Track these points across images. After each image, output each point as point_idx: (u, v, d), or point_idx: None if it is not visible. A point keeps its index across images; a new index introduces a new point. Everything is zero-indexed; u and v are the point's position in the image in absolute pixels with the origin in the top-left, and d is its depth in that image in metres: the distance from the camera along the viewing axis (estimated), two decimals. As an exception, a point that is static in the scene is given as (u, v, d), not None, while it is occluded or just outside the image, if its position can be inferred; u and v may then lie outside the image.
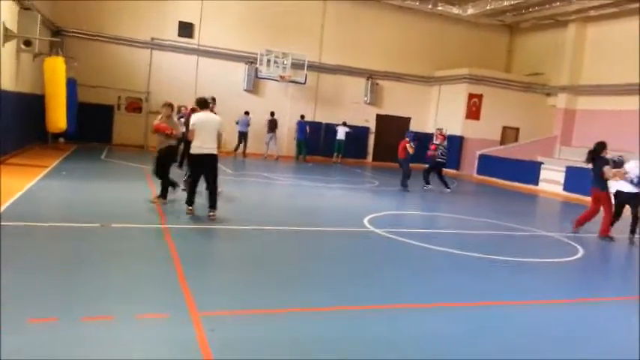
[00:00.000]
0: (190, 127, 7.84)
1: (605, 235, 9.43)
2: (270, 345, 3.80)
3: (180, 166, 10.84)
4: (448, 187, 14.52)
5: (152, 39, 19.84)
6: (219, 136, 7.88)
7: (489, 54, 24.21)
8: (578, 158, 19.13)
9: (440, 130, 17.37)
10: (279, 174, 15.87)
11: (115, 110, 19.61)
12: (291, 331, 4.09)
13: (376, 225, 8.60)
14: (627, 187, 9.46)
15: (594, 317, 5.20)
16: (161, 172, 8.67)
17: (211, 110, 8.48)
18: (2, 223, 6.24)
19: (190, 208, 7.96)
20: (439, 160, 14.60)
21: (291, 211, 9.68)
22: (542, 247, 8.74)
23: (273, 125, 20.08)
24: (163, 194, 8.70)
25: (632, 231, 9.40)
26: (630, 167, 9.56)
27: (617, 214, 9.70)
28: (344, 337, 4.06)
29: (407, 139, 14.17)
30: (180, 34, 20.20)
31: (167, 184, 8.73)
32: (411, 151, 14.06)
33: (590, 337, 4.64)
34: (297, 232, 7.92)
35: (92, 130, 18.44)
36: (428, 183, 14.64)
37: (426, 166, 15.26)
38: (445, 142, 15.02)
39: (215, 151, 7.84)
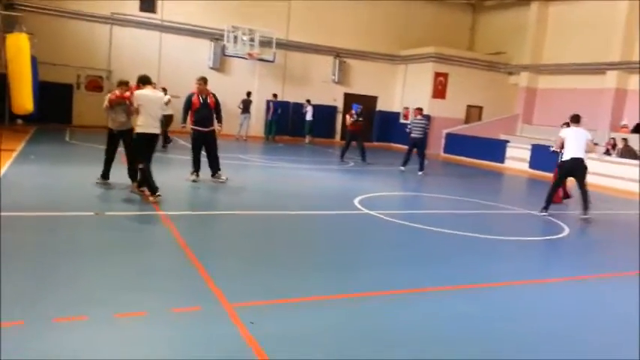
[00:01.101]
0: (135, 105, 7.42)
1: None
2: (320, 336, 3.73)
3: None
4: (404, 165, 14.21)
5: (112, 14, 18.95)
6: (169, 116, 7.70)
7: (453, 33, 24.45)
8: (540, 136, 19.87)
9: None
10: (255, 155, 15.64)
11: (75, 89, 18.70)
12: (338, 319, 4.03)
13: (369, 207, 8.60)
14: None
15: (600, 293, 5.39)
16: (140, 159, 7.73)
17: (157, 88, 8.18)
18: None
19: (158, 194, 7.37)
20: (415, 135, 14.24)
21: (282, 195, 9.54)
22: (529, 226, 9.00)
23: (247, 105, 19.69)
24: (152, 189, 7.56)
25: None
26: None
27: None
28: (391, 322, 4.04)
29: (351, 111, 14.62)
30: (141, 9, 19.39)
31: (145, 175, 7.78)
32: (347, 122, 14.82)
33: (599, 313, 4.82)
34: (295, 216, 7.82)
35: (51, 110, 17.51)
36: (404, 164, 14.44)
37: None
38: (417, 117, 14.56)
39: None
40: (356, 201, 9.05)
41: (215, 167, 9.70)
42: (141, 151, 7.54)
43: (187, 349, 3.34)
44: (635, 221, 10.39)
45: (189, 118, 9.56)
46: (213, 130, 9.63)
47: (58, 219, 6.34)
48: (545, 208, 9.52)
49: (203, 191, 9.07)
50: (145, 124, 7.35)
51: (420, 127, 14.06)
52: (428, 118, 15.35)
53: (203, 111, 9.41)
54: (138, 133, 7.49)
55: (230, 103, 19.86)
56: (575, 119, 9.77)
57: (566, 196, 11.27)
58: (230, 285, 4.52)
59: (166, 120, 15.22)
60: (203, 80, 9.55)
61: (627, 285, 5.73)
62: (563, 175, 9.86)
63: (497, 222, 9.08)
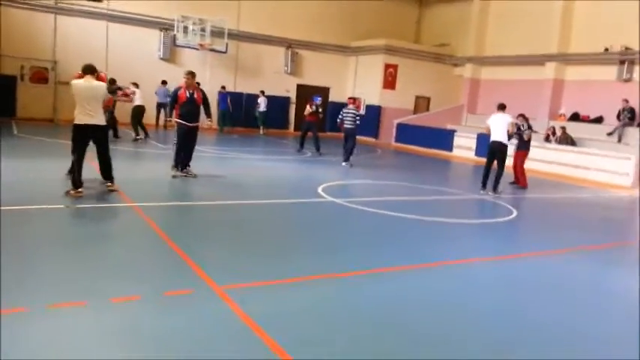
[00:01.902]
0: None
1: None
2: (307, 313, 4.02)
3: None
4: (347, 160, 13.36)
5: (56, 2, 18.29)
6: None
7: (400, 25, 25.07)
8: (483, 125, 20.77)
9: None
10: (211, 147, 15.59)
11: (19, 81, 17.96)
12: (319, 298, 4.33)
13: (332, 195, 8.93)
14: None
15: (550, 267, 5.96)
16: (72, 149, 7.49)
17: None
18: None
19: (79, 190, 7.13)
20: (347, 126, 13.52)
21: (247, 185, 9.70)
22: (482, 209, 9.62)
23: (200, 96, 19.51)
24: (74, 182, 7.27)
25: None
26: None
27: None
28: (373, 297, 4.38)
29: (312, 102, 15.04)
30: (87, -2, 18.79)
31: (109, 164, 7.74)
32: (306, 111, 14.95)
33: (560, 285, 5.36)
34: (264, 205, 8.05)
35: (-7, 102, 16.81)
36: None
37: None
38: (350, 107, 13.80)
39: (100, 122, 7.28)
40: (319, 189, 9.35)
41: (187, 162, 9.59)
42: (73, 141, 7.34)
43: (188, 329, 3.54)
44: (573, 203, 11.25)
45: (174, 111, 9.39)
46: (197, 126, 9.51)
47: (28, 212, 6.28)
48: (485, 186, 10.55)
49: (169, 183, 9.10)
50: (78, 114, 7.15)
51: (351, 117, 13.30)
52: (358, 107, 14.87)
53: (190, 105, 9.23)
54: (72, 124, 7.30)
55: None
56: (500, 107, 10.74)
57: (515, 181, 12.07)
58: (215, 269, 4.72)
59: (139, 111, 15.10)
60: (191, 74, 9.35)
61: (572, 260, 6.34)
62: (489, 155, 10.71)
63: (452, 206, 9.64)
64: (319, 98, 15.38)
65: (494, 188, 10.47)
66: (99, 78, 7.55)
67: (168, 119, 9.64)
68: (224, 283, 4.36)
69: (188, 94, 9.24)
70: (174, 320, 3.66)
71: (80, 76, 7.31)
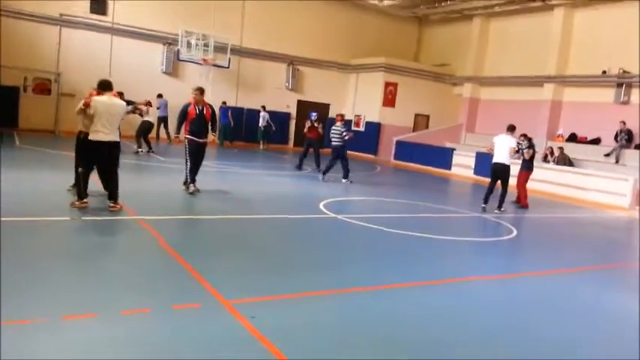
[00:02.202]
0: (90, 111, 7.11)
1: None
2: (319, 327, 4.06)
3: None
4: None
5: (61, 15, 18.49)
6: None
7: (400, 44, 25.41)
8: (482, 144, 21.00)
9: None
10: (212, 161, 15.65)
11: (22, 92, 18.06)
12: (329, 313, 4.38)
13: (333, 211, 9.00)
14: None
15: (552, 287, 6.02)
16: (81, 162, 7.57)
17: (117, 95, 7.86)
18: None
19: (84, 201, 7.20)
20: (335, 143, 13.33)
21: (250, 200, 9.75)
22: (482, 227, 9.70)
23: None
24: (79, 194, 7.37)
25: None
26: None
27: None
28: (375, 313, 4.43)
29: (309, 118, 14.98)
30: (92, 11, 19.01)
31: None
32: (305, 129, 14.91)
33: (561, 304, 5.42)
34: (268, 219, 8.11)
35: (-5, 113, 16.87)
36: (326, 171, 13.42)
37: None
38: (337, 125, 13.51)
39: (116, 139, 7.29)
40: (321, 205, 9.42)
41: (193, 176, 9.45)
42: (84, 155, 7.39)
43: (198, 341, 3.58)
44: (570, 223, 11.34)
45: (183, 127, 9.37)
46: (206, 142, 9.53)
47: (34, 224, 6.32)
48: (485, 203, 10.79)
49: (173, 196, 9.15)
50: (94, 130, 7.11)
51: (337, 134, 13.16)
52: (346, 124, 14.31)
53: (199, 122, 9.21)
54: (86, 138, 7.27)
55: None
56: (510, 128, 11.02)
57: (517, 201, 12.20)
58: (222, 283, 4.76)
59: (147, 126, 15.19)
60: (200, 91, 9.34)
61: (573, 279, 6.41)
62: (492, 176, 10.88)
63: (453, 224, 9.71)
64: (315, 114, 15.39)
65: (499, 206, 10.72)
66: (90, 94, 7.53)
67: (175, 135, 9.62)
68: (232, 298, 4.40)
69: (197, 110, 9.21)
70: (183, 333, 3.70)
71: (98, 93, 7.29)
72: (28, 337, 3.37)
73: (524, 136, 12.15)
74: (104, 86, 7.35)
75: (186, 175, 9.38)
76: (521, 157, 11.82)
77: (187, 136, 9.32)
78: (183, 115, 9.31)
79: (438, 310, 4.75)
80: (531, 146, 12.08)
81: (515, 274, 6.46)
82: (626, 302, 5.64)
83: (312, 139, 15.28)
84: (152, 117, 15.45)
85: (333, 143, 13.26)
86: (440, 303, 4.97)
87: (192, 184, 9.31)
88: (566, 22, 19.23)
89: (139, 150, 14.88)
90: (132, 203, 7.71)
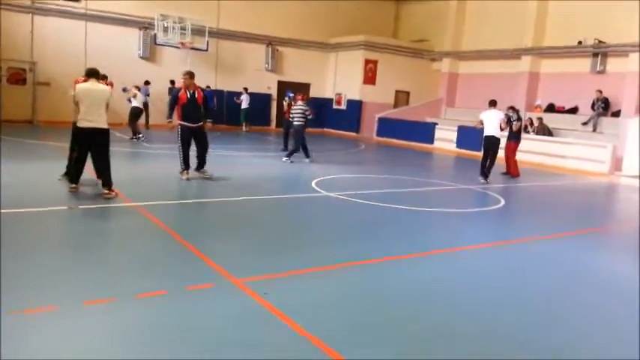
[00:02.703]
0: (74, 98, 7.22)
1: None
2: (331, 301, 4.21)
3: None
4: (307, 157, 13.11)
5: (33, 2, 18.01)
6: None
7: (378, 21, 25.38)
8: (462, 117, 21.32)
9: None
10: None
11: (-4, 83, 17.65)
12: (339, 287, 4.53)
13: (326, 189, 9.12)
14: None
15: (542, 252, 6.26)
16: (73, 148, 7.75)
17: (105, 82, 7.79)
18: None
19: (73, 186, 7.41)
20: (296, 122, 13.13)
21: (240, 182, 9.75)
22: (471, 199, 9.93)
23: (175, 94, 19.52)
24: (71, 178, 7.62)
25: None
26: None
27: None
28: (393, 285, 4.59)
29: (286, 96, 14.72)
30: (64, -3, 18.54)
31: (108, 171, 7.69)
32: (284, 109, 14.31)
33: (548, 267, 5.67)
34: (264, 200, 8.20)
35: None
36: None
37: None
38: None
39: (102, 125, 7.25)
40: (313, 184, 9.54)
41: (202, 162, 9.53)
42: (74, 141, 7.53)
43: (218, 318, 3.70)
44: (554, 190, 11.67)
45: (175, 113, 9.27)
46: (203, 125, 9.42)
47: (33, 214, 6.31)
48: (485, 177, 11.27)
49: (167, 183, 9.14)
50: (80, 117, 7.17)
51: (300, 113, 12.97)
52: (309, 103, 14.01)
53: (191, 106, 9.12)
54: (74, 125, 7.39)
55: (162, 93, 19.65)
56: (492, 103, 11.44)
57: (507, 172, 12.57)
58: (229, 263, 4.86)
59: (137, 112, 15.20)
60: (189, 75, 9.24)
61: (562, 244, 6.67)
62: (484, 148, 11.29)
63: (442, 197, 9.91)
64: (292, 94, 15.32)
65: (486, 176, 11.21)
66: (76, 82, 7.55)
67: (169, 120, 9.55)
68: (242, 276, 4.51)
69: (189, 95, 9.13)
70: (203, 312, 3.81)
71: (84, 81, 7.33)
72: (55, 323, 3.46)
73: (512, 108, 12.48)
74: (89, 73, 7.39)
75: (181, 163, 9.31)
76: (509, 129, 12.08)
77: (180, 122, 9.25)
78: (174, 100, 9.25)
79: (439, 280, 4.94)
80: (519, 118, 12.43)
81: (506, 242, 6.69)
82: (617, 264, 5.92)
83: (289, 120, 15.19)
84: (139, 103, 15.40)
85: (296, 123, 13.01)
86: (441, 272, 5.16)
87: (185, 172, 9.28)
88: (542, -6, 19.43)
89: (136, 137, 14.90)
90: (127, 191, 7.72)
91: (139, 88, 15.92)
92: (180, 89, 9.33)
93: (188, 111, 9.16)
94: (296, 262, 5.16)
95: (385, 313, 4.03)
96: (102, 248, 5.26)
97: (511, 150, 12.37)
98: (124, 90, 16.12)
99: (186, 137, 9.24)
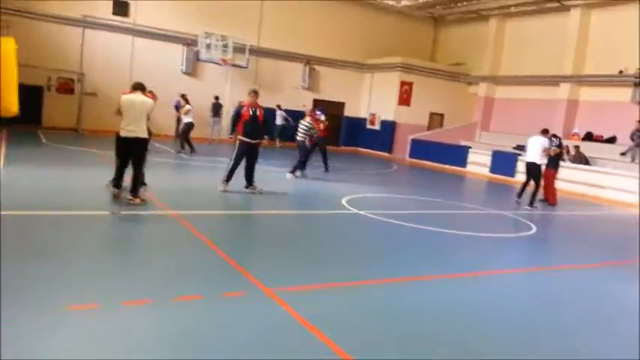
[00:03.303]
0: (118, 108, 7.66)
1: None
2: (355, 314, 4.34)
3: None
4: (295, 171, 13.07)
5: (84, 16, 18.91)
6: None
7: (416, 43, 25.58)
8: (496, 142, 21.21)
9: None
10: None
11: (45, 91, 18.52)
12: (366, 302, 4.66)
13: (357, 207, 9.26)
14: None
15: (571, 281, 6.24)
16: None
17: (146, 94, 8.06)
18: (3, 213, 6.14)
19: (117, 190, 7.88)
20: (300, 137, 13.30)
21: (274, 196, 10.00)
22: (504, 224, 9.90)
23: (217, 109, 20.10)
24: (132, 187, 7.84)
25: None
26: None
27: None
28: (418, 303, 4.69)
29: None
30: (114, 13, 19.41)
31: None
32: (319, 126, 13.98)
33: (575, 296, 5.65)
34: (296, 215, 8.43)
35: (21, 112, 17.17)
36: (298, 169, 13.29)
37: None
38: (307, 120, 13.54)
39: (141, 134, 7.63)
40: (344, 201, 9.69)
41: (251, 178, 9.87)
42: (117, 150, 7.97)
43: (253, 327, 3.88)
44: (588, 220, 11.51)
45: (237, 129, 9.62)
46: (259, 143, 9.84)
47: (76, 218, 6.65)
48: (519, 197, 11.64)
49: (206, 194, 9.46)
50: (121, 127, 7.63)
51: (303, 129, 13.16)
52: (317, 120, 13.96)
53: (253, 123, 9.50)
54: (117, 134, 7.86)
55: (203, 108, 20.26)
56: (543, 131, 11.81)
57: (545, 199, 12.53)
58: (262, 273, 5.05)
59: (187, 127, 15.52)
60: (255, 93, 9.75)
61: (593, 274, 6.62)
62: (527, 174, 11.65)
63: (475, 221, 9.91)
64: (322, 113, 15.22)
65: (531, 203, 11.35)
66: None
67: (230, 136, 9.94)
68: (273, 286, 4.69)
69: (251, 112, 9.52)
70: (236, 317, 4.00)
71: (130, 92, 7.79)
72: (96, 320, 3.70)
73: (554, 135, 12.55)
74: (135, 87, 7.88)
75: (226, 174, 9.59)
76: (547, 155, 12.11)
77: (241, 137, 9.58)
78: (237, 116, 9.63)
79: (471, 302, 5.00)
80: (560, 145, 12.45)
81: (534, 268, 6.68)
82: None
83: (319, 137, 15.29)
84: (192, 118, 15.64)
85: (298, 138, 13.21)
86: (471, 295, 5.22)
87: (226, 183, 9.58)
88: (582, 22, 19.30)
89: (182, 151, 15.26)
90: (167, 199, 8.05)
91: (187, 101, 15.85)
92: (243, 106, 9.73)
93: (250, 128, 9.51)
94: (326, 275, 5.30)
95: (409, 330, 4.13)
96: (140, 253, 5.55)
97: (550, 177, 12.35)
98: (177, 108, 16.57)
99: (243, 152, 9.57)
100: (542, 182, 11.75)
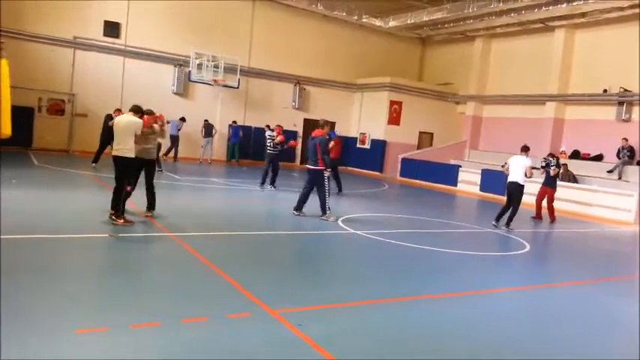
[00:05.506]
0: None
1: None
2: (359, 334, 4.37)
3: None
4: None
5: (75, 38, 18.97)
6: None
7: (404, 64, 26.00)
8: (485, 160, 21.48)
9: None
10: (226, 179, 16.06)
11: (36, 112, 18.45)
12: (366, 321, 4.69)
13: (352, 227, 9.32)
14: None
15: (568, 297, 6.33)
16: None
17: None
18: (4, 237, 6.11)
19: (113, 212, 7.73)
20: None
21: (268, 216, 10.08)
22: (496, 242, 10.01)
23: (208, 130, 20.22)
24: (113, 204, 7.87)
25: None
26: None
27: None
28: (420, 322, 4.74)
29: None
30: (105, 34, 19.50)
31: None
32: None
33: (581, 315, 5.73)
34: (291, 235, 8.44)
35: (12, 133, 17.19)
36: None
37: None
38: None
39: (127, 154, 7.67)
40: (339, 222, 9.74)
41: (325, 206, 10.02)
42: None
43: (259, 349, 3.89)
44: (579, 237, 11.66)
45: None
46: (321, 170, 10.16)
47: (73, 240, 6.63)
48: (497, 220, 10.97)
49: (195, 213, 9.47)
50: (115, 147, 7.80)
51: (268, 141, 14.14)
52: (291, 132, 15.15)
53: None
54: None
55: (194, 129, 20.34)
56: (523, 149, 11.30)
57: (536, 216, 12.67)
58: (264, 294, 5.06)
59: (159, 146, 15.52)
60: (327, 124, 10.55)
61: (585, 291, 6.72)
62: (508, 194, 11.28)
63: (470, 239, 10.01)
64: (334, 134, 15.25)
65: (507, 224, 10.85)
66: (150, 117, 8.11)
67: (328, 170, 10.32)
68: (277, 307, 4.71)
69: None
70: (244, 339, 4.01)
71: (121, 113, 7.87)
72: (106, 341, 3.69)
73: (552, 155, 12.75)
74: (131, 109, 8.04)
75: (326, 204, 9.96)
76: (546, 175, 12.30)
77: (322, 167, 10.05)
78: (329, 148, 10.40)
79: (465, 321, 5.06)
80: (558, 165, 12.63)
81: (529, 287, 6.76)
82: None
83: (333, 159, 15.25)
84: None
85: (268, 151, 14.07)
86: (466, 314, 5.28)
87: (329, 211, 9.95)
88: (567, 43, 19.79)
89: (160, 169, 15.25)
90: (161, 221, 8.03)
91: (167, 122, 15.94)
92: (330, 138, 10.63)
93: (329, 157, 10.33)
94: (329, 296, 5.34)
95: (414, 349, 4.17)
96: (143, 275, 5.53)
97: (548, 195, 12.57)
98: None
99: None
100: (519, 204, 11.00)
